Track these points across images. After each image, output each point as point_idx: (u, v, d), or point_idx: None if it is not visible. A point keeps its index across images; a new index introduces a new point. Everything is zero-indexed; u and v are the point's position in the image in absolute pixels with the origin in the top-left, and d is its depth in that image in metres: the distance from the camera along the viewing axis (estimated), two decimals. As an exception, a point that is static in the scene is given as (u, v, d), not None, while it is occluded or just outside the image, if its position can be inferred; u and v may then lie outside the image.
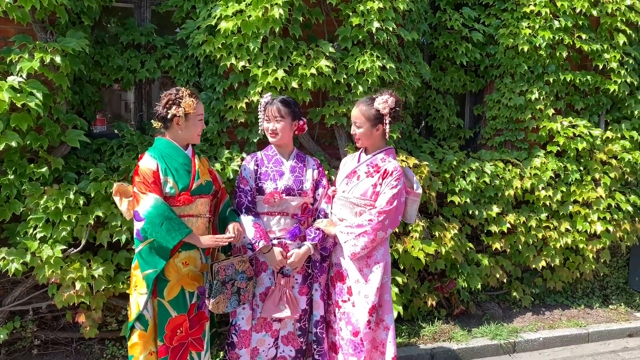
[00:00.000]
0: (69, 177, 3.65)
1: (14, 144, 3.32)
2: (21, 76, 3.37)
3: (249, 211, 3.09)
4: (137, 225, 2.70)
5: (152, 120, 2.93)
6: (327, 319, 3.28)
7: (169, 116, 2.79)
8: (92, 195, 3.52)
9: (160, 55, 4.20)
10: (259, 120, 3.22)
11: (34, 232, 3.43)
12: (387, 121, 3.07)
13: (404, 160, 4.20)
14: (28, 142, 3.44)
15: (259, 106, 3.22)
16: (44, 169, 3.49)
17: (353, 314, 3.13)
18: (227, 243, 2.84)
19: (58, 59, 3.38)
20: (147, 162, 2.77)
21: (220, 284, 2.79)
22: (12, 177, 3.44)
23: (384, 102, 3.06)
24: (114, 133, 4.17)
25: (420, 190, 3.23)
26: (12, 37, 3.51)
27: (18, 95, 3.30)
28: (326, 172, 3.94)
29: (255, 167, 3.16)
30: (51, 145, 3.61)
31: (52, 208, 3.40)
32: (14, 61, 3.37)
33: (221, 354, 3.79)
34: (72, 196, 3.46)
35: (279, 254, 3.06)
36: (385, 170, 3.07)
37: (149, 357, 2.77)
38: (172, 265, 2.78)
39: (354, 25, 4.07)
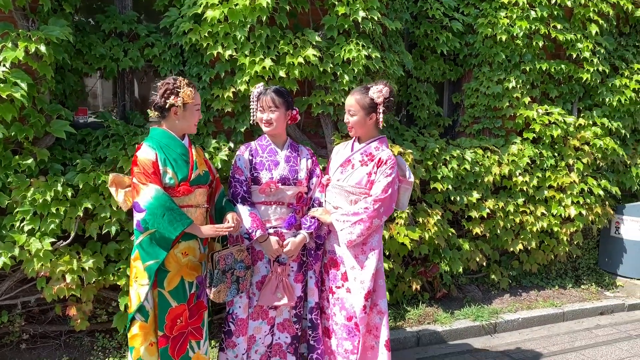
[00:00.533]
0: (54, 169, 3.59)
1: (-1, 135, 3.25)
2: (4, 66, 3.28)
3: (244, 201, 3.11)
4: (138, 217, 2.69)
5: (149, 110, 2.91)
6: (321, 305, 3.35)
7: (167, 106, 2.77)
8: (80, 186, 3.47)
9: (144, 44, 4.14)
10: (252, 111, 3.23)
11: (22, 225, 3.36)
12: (381, 110, 3.13)
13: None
14: (12, 134, 3.36)
15: (252, 96, 3.22)
16: (29, 161, 3.42)
17: (347, 299, 3.20)
18: (227, 233, 2.86)
19: (43, 48, 3.30)
20: (146, 153, 2.74)
21: (220, 273, 2.81)
22: (-4, 169, 3.37)
23: (378, 91, 3.11)
24: (95, 123, 4.11)
25: (412, 179, 3.31)
26: (-6, 25, 3.41)
27: (2, 85, 3.22)
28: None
29: (250, 157, 3.17)
30: (35, 137, 3.53)
31: (40, 200, 3.34)
32: (-4, 50, 3.28)
33: (212, 342, 3.82)
34: (59, 188, 3.41)
35: (276, 243, 3.10)
36: (380, 159, 3.13)
37: (149, 347, 2.77)
38: (172, 256, 2.78)
39: (339, 14, 4.09)
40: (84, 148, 3.87)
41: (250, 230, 3.02)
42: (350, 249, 3.14)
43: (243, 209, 3.06)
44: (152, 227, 2.66)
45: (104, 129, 3.93)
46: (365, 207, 3.06)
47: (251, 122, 3.27)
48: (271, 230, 3.14)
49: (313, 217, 3.20)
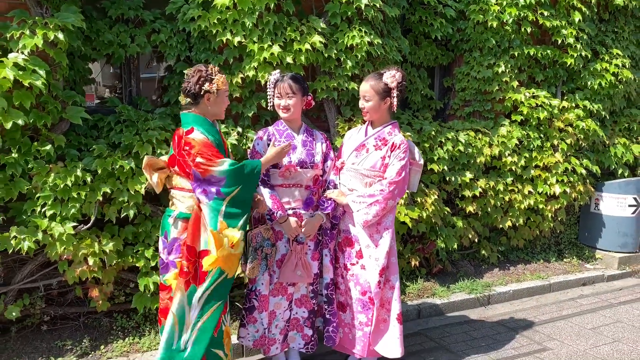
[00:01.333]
0: (71, 155, 3.65)
1: (20, 122, 3.29)
2: (23, 53, 3.31)
3: (264, 184, 3.26)
4: (216, 187, 2.79)
5: (180, 97, 3.02)
6: (335, 281, 3.54)
7: (201, 92, 2.89)
8: (99, 172, 3.55)
9: (150, 30, 4.19)
10: (268, 97, 3.35)
11: (43, 209, 3.43)
12: (395, 94, 3.30)
13: (390, 132, 4.46)
14: (31, 120, 3.41)
15: (268, 83, 3.35)
16: (48, 147, 3.47)
17: (361, 276, 3.40)
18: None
19: (60, 36, 3.35)
20: (200, 136, 2.87)
21: (253, 250, 2.98)
22: (16, 155, 3.41)
23: (392, 76, 3.28)
24: (105, 108, 4.16)
25: (422, 161, 3.51)
26: (10, 13, 3.42)
27: (21, 73, 3.26)
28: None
29: (268, 142, 3.30)
30: (51, 123, 3.58)
31: (62, 185, 3.41)
32: (15, 37, 3.31)
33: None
34: (79, 173, 3.48)
35: (295, 223, 3.26)
36: (393, 143, 3.31)
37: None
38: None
39: (343, 1, 4.22)
40: (97, 133, 3.93)
41: (271, 212, 3.18)
42: (365, 229, 3.33)
43: (264, 191, 3.21)
44: (237, 185, 2.80)
45: (115, 115, 3.99)
46: (381, 190, 3.24)
47: (269, 107, 3.39)
48: (290, 212, 3.30)
49: (329, 199, 3.37)
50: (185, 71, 3.08)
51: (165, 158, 3.10)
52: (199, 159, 2.82)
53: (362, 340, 3.46)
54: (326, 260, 3.48)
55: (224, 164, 2.81)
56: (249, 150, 3.53)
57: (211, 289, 2.85)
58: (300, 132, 3.39)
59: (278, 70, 3.37)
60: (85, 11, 4.03)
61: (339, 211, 3.43)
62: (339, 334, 3.52)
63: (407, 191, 4.53)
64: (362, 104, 3.38)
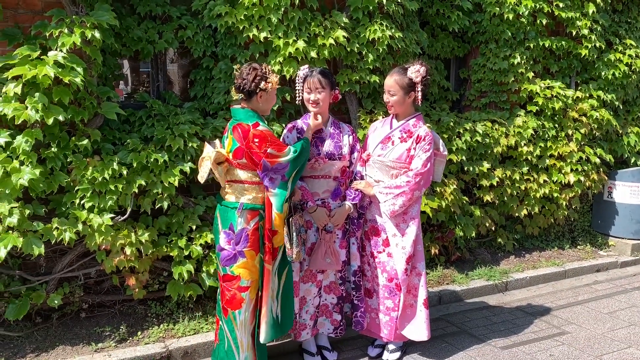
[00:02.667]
0: (106, 149, 3.79)
1: (60, 117, 3.42)
2: (61, 51, 3.44)
3: (295, 175, 3.39)
4: (282, 172, 3.05)
5: (232, 92, 3.16)
6: (362, 268, 3.67)
7: (257, 90, 3.05)
8: (134, 165, 3.68)
9: (177, 26, 4.30)
10: (297, 92, 3.43)
11: (82, 202, 3.57)
12: (420, 89, 3.41)
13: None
14: (69, 116, 3.53)
15: (297, 78, 3.44)
16: (85, 142, 3.61)
17: (388, 263, 3.53)
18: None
19: (97, 34, 3.47)
20: (265, 129, 3.08)
21: (296, 235, 3.13)
22: (56, 150, 3.55)
23: (416, 71, 3.39)
24: (136, 103, 4.29)
25: (446, 152, 3.63)
26: (49, 12, 3.55)
27: (61, 70, 3.38)
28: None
29: (298, 135, 3.42)
30: (88, 118, 3.71)
31: (100, 178, 3.55)
32: (54, 36, 3.43)
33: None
34: (115, 167, 3.61)
35: (324, 213, 3.39)
36: (419, 135, 3.42)
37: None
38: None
39: (365, -4, 4.33)
40: (129, 128, 4.06)
41: (302, 202, 3.32)
42: (392, 219, 3.46)
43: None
44: (297, 167, 3.11)
45: (146, 109, 4.12)
46: (407, 181, 3.36)
47: (297, 102, 3.48)
48: (319, 202, 3.43)
49: (357, 189, 3.49)
50: (237, 68, 3.22)
51: (223, 151, 3.18)
52: (270, 150, 3.01)
53: (389, 325, 3.60)
54: (353, 248, 3.60)
55: (290, 153, 3.08)
56: None
57: (279, 260, 3.20)
58: (328, 125, 3.50)
59: (307, 66, 3.47)
60: (115, 8, 4.15)
61: (366, 201, 3.55)
62: (367, 318, 3.67)
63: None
64: (386, 98, 3.49)
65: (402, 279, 3.49)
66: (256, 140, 3.02)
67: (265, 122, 3.21)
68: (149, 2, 4.21)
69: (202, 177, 3.17)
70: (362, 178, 3.57)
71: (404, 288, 3.51)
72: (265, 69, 3.08)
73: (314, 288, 3.53)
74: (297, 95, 3.45)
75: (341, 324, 3.65)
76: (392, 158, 3.47)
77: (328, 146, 3.43)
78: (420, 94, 3.42)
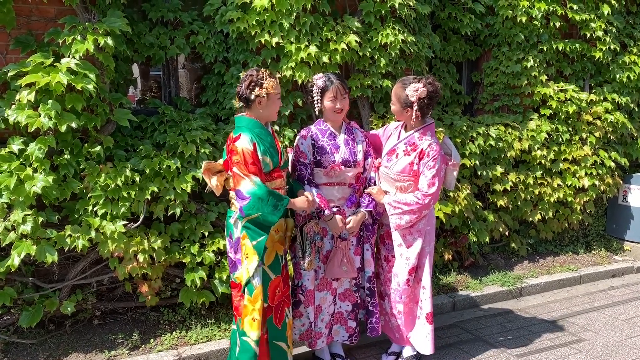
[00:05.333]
0: (119, 155, 3.78)
1: (74, 125, 3.41)
2: (74, 58, 3.43)
3: (310, 183, 3.34)
4: (241, 203, 2.89)
5: (233, 100, 3.12)
6: (376, 272, 3.63)
7: (252, 97, 2.98)
8: (146, 171, 3.67)
9: (188, 31, 4.29)
10: (315, 102, 3.34)
11: (94, 209, 3.56)
12: (415, 108, 3.29)
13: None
14: (82, 123, 3.53)
15: (315, 87, 3.32)
16: (97, 148, 3.60)
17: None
18: (314, 202, 3.15)
19: (110, 41, 3.46)
20: (246, 143, 2.93)
21: (309, 243, 3.09)
22: (69, 156, 3.54)
23: (414, 90, 3.26)
24: (148, 109, 4.28)
25: (459, 160, 3.55)
26: (62, 19, 3.55)
27: (73, 77, 3.38)
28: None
29: (312, 142, 3.38)
30: (100, 125, 3.70)
31: (113, 185, 3.54)
32: (67, 43, 3.43)
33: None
34: (128, 173, 3.60)
35: (340, 221, 3.34)
36: (422, 150, 3.33)
37: (251, 321, 3.02)
38: (269, 234, 3.03)
39: (377, 0, 4.29)
40: (141, 134, 4.05)
41: (318, 210, 3.28)
42: (399, 230, 3.41)
43: (312, 191, 3.30)
44: (255, 213, 2.87)
45: (158, 116, 4.11)
46: (417, 202, 3.29)
47: (316, 113, 3.39)
48: (335, 209, 3.39)
49: (369, 194, 3.45)
50: (243, 74, 3.17)
51: (220, 161, 3.20)
52: (235, 169, 2.92)
53: (400, 329, 3.58)
54: (367, 254, 3.56)
55: (250, 185, 2.87)
56: (289, 148, 3.59)
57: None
58: (342, 131, 3.46)
59: (321, 74, 3.37)
60: (127, 14, 4.14)
61: (381, 208, 3.51)
62: (381, 323, 3.63)
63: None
64: (391, 104, 3.45)
65: (403, 289, 3.46)
66: (231, 154, 2.97)
67: (268, 128, 3.13)
68: (160, 8, 4.21)
69: (208, 187, 3.18)
70: (375, 184, 3.53)
71: (405, 297, 3.48)
72: (262, 74, 2.99)
73: (329, 296, 3.50)
74: (316, 104, 3.35)
75: (356, 330, 3.61)
76: (395, 171, 3.42)
77: (343, 153, 3.39)
78: (414, 114, 3.30)
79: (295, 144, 3.44)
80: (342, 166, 3.36)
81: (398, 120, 3.55)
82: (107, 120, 3.76)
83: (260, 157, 2.96)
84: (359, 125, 4.63)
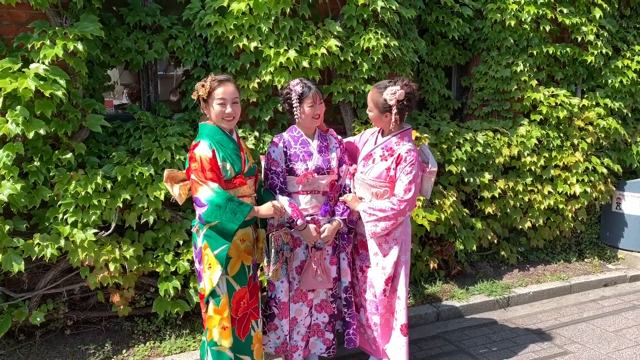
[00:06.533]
0: (91, 162, 3.71)
1: (42, 131, 3.34)
2: (43, 63, 3.37)
3: (282, 192, 3.25)
4: (199, 210, 2.82)
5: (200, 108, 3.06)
6: (352, 283, 3.54)
7: (198, 100, 2.97)
8: (118, 179, 3.59)
9: (167, 36, 4.22)
10: (294, 108, 3.22)
11: (65, 217, 3.49)
12: (394, 112, 3.20)
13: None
14: (53, 129, 3.46)
15: (292, 94, 3.21)
16: (68, 155, 3.53)
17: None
18: (279, 215, 3.04)
19: (80, 46, 3.40)
20: (204, 150, 2.86)
21: (275, 252, 3.01)
22: (39, 163, 3.47)
23: (392, 93, 3.17)
24: (124, 115, 4.21)
25: (435, 168, 3.44)
26: (31, 24, 3.48)
27: (43, 83, 3.31)
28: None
29: (285, 149, 3.29)
30: (72, 131, 3.63)
31: (82, 193, 3.46)
32: (36, 48, 3.36)
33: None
34: (99, 180, 3.53)
35: (314, 230, 3.25)
36: (399, 155, 3.23)
37: (222, 330, 2.94)
38: (233, 243, 2.94)
39: (359, 4, 4.21)
40: (116, 140, 3.98)
41: (291, 219, 3.19)
42: (374, 239, 3.31)
43: (283, 200, 3.21)
44: (213, 220, 2.80)
45: (134, 121, 4.03)
46: (392, 207, 3.19)
47: (296, 120, 3.26)
48: (308, 218, 3.29)
49: (344, 202, 3.36)
50: None
51: (184, 170, 3.13)
52: (193, 176, 2.85)
53: (376, 341, 3.49)
54: (344, 263, 3.47)
55: (208, 192, 2.79)
56: (262, 156, 3.50)
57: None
58: (315, 138, 3.37)
59: (298, 80, 3.27)
60: (104, 18, 4.08)
61: (356, 215, 3.42)
62: (359, 335, 3.54)
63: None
64: (368, 110, 3.36)
65: (379, 299, 3.36)
66: (190, 161, 2.91)
67: (232, 135, 3.05)
68: (138, 12, 4.13)
69: (175, 196, 3.12)
70: (350, 191, 3.44)
71: (381, 308, 3.38)
72: (210, 77, 2.94)
73: (305, 307, 3.40)
74: (295, 111, 3.23)
75: (333, 342, 3.52)
76: (372, 176, 3.32)
77: (316, 160, 3.30)
78: (393, 117, 3.21)
79: (267, 152, 3.36)
80: (315, 174, 3.27)
81: (376, 127, 3.46)
82: (80, 127, 3.69)
83: (219, 163, 2.89)
84: (342, 131, 4.60)
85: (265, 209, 3.01)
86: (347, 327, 3.50)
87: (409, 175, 3.21)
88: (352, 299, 3.50)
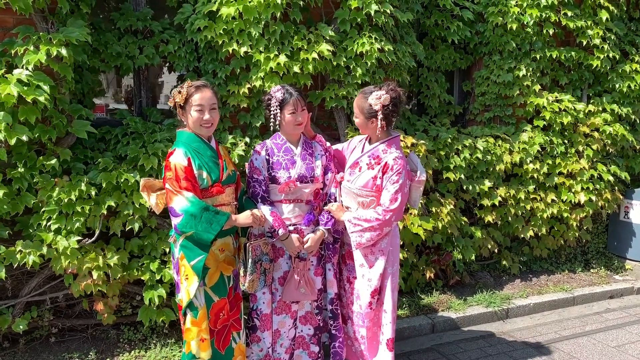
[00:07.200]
0: (77, 168, 3.67)
1: (24, 137, 3.32)
2: (27, 69, 3.34)
3: (264, 200, 3.17)
4: (174, 221, 2.76)
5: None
6: (338, 294, 3.44)
7: (175, 106, 2.91)
8: (103, 185, 3.55)
9: (158, 41, 4.17)
10: (273, 115, 3.16)
11: (48, 224, 3.45)
12: (380, 117, 3.10)
13: (402, 140, 4.33)
14: (37, 135, 3.43)
15: (272, 100, 3.15)
16: (53, 161, 3.50)
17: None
18: (258, 224, 2.97)
19: (64, 51, 3.36)
20: (179, 159, 2.80)
21: (253, 262, 2.93)
22: (23, 170, 3.44)
23: (377, 98, 3.08)
24: (114, 120, 4.18)
25: (424, 177, 3.33)
26: (15, 29, 3.46)
27: (26, 89, 3.28)
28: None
29: (267, 157, 3.21)
30: (57, 137, 3.60)
31: (65, 200, 3.42)
32: (19, 53, 3.33)
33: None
34: (83, 187, 3.49)
35: (297, 240, 3.17)
36: (386, 163, 3.12)
37: (200, 343, 2.87)
38: (211, 254, 2.88)
39: (352, 7, 4.12)
40: (104, 146, 3.94)
41: (272, 229, 3.11)
42: (360, 250, 3.21)
43: (265, 209, 3.13)
44: (189, 231, 2.74)
45: (122, 127, 3.99)
46: (377, 218, 3.09)
47: (277, 127, 3.19)
48: (291, 228, 3.20)
49: (328, 212, 3.27)
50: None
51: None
52: (167, 185, 2.79)
53: (364, 354, 3.40)
54: (329, 274, 3.38)
55: (183, 201, 2.73)
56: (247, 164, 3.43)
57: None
58: (299, 145, 3.29)
59: (279, 86, 3.20)
60: (94, 23, 4.05)
61: (341, 225, 3.33)
62: (345, 348, 3.44)
63: (420, 201, 4.43)
64: (354, 118, 3.26)
65: (365, 312, 3.26)
66: (165, 170, 2.84)
67: (210, 143, 2.98)
68: (129, 17, 4.10)
69: (152, 206, 3.07)
70: (336, 200, 3.34)
71: (367, 321, 3.28)
72: (186, 83, 2.88)
73: (289, 319, 3.31)
74: (275, 119, 3.16)
75: (319, 355, 3.43)
76: (358, 185, 3.22)
77: (299, 168, 3.21)
78: (379, 122, 3.11)
79: (250, 160, 3.28)
80: (298, 182, 3.19)
81: (363, 134, 3.36)
82: (67, 133, 3.66)
83: (195, 172, 2.83)
84: (335, 137, 4.51)
85: (243, 218, 2.94)
86: (333, 339, 3.41)
87: (396, 184, 3.11)
88: (339, 311, 3.40)
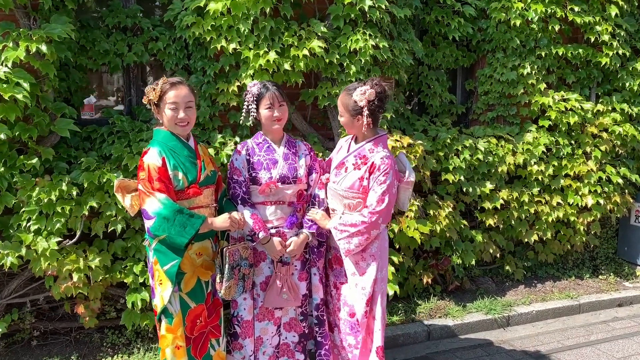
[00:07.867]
0: (60, 168, 3.59)
1: (2, 136, 3.25)
2: (6, 66, 3.26)
3: (244, 202, 3.05)
4: (147, 223, 2.65)
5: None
6: (325, 300, 3.30)
7: (150, 104, 2.78)
8: (85, 185, 3.46)
9: (148, 38, 4.08)
10: (249, 110, 3.07)
11: (28, 224, 3.38)
12: (365, 114, 2.96)
13: (398, 140, 4.18)
14: (16, 134, 3.36)
15: (248, 95, 3.06)
16: (34, 160, 3.42)
17: (350, 296, 3.15)
18: (236, 227, 2.84)
19: (44, 47, 3.29)
20: (153, 158, 2.69)
21: (230, 268, 2.80)
22: (2, 169, 3.38)
23: (361, 93, 2.94)
24: (102, 119, 4.10)
25: (412, 178, 3.17)
26: (-5, 25, 3.39)
27: (4, 86, 3.21)
28: (320, 155, 3.92)
29: (248, 157, 3.09)
30: (40, 135, 3.52)
31: (45, 200, 3.35)
32: (-2, 50, 3.27)
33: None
34: (64, 187, 3.41)
35: (279, 244, 3.04)
36: (373, 163, 2.98)
37: (175, 350, 2.76)
38: (187, 258, 2.77)
39: (345, 3, 3.98)
40: (90, 145, 3.86)
41: (252, 232, 2.98)
42: (350, 257, 3.07)
43: (245, 211, 3.00)
44: (161, 234, 2.62)
45: (109, 126, 3.91)
46: (362, 221, 2.94)
47: (250, 123, 3.10)
48: (273, 231, 3.08)
49: (312, 220, 3.13)
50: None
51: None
52: (140, 186, 2.68)
53: (351, 363, 3.24)
54: (315, 279, 3.24)
55: (155, 203, 2.61)
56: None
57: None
58: (282, 145, 3.16)
59: (256, 82, 3.11)
60: (82, 21, 3.98)
61: (326, 230, 3.19)
62: (331, 356, 3.30)
63: (417, 203, 4.27)
64: (339, 117, 3.12)
65: (361, 322, 3.10)
66: (138, 170, 2.73)
67: (188, 142, 2.87)
68: (118, 14, 4.02)
69: (126, 207, 2.95)
70: (320, 202, 3.19)
71: (363, 331, 3.13)
72: (162, 80, 2.76)
73: (272, 326, 3.18)
74: (251, 114, 3.06)
75: (305, 363, 3.30)
76: (344, 187, 3.07)
77: (281, 169, 3.08)
78: (365, 119, 2.96)
79: (230, 160, 3.16)
80: (279, 183, 3.06)
81: (349, 133, 3.22)
82: (50, 131, 3.58)
83: (170, 172, 2.71)
84: (330, 136, 4.38)
85: (220, 221, 2.81)
86: (318, 347, 3.27)
87: (383, 185, 2.96)
88: (325, 317, 3.27)
